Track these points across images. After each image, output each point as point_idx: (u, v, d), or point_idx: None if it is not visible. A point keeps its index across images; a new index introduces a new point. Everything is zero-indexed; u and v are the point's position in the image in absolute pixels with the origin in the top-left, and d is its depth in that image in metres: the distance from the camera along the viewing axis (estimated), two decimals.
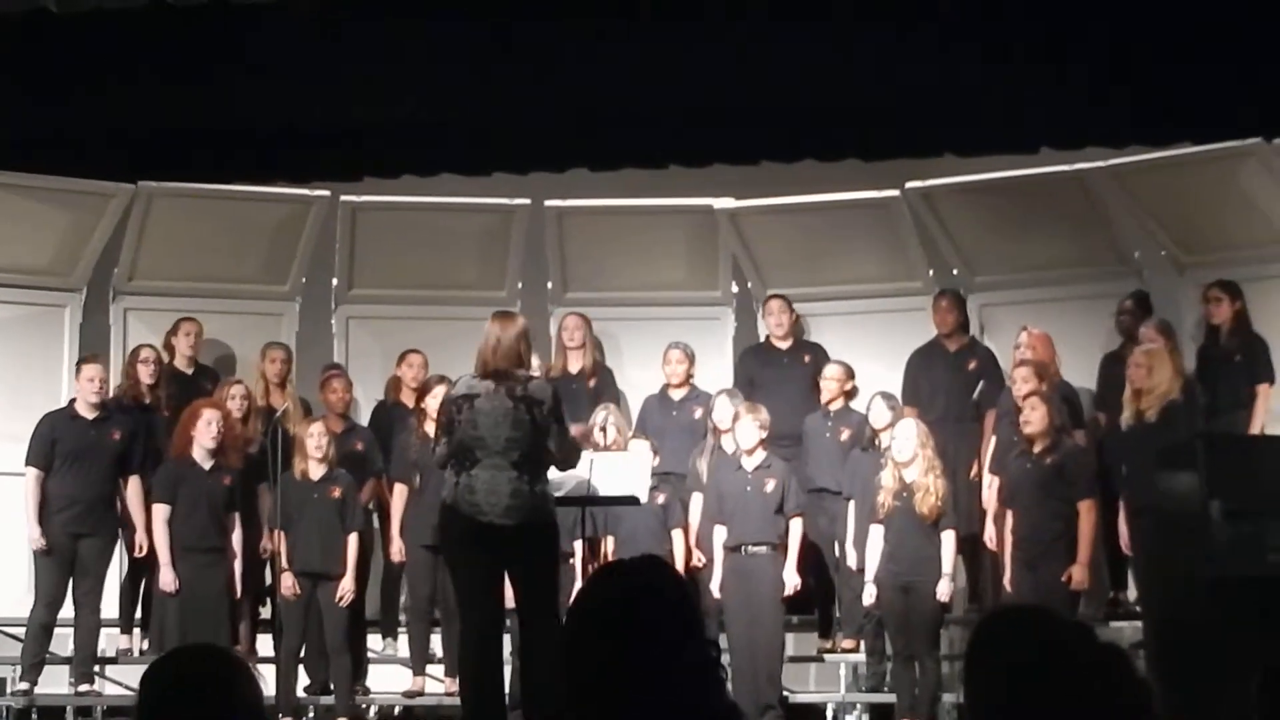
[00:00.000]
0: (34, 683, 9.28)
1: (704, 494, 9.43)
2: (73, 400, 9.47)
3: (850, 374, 9.89)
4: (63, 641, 9.49)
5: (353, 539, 9.32)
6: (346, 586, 9.22)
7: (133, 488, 9.42)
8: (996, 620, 2.53)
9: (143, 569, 9.67)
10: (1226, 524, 6.92)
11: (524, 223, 10.85)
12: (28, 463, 9.31)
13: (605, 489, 8.03)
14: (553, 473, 7.27)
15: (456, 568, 7.23)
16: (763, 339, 10.57)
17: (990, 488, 9.23)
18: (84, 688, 9.38)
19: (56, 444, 9.29)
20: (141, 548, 9.39)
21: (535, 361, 9.61)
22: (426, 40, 10.45)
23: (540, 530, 6.96)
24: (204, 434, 9.16)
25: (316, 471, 9.30)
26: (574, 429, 7.51)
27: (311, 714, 9.54)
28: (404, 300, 10.90)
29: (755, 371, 10.31)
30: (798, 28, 10.17)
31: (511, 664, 8.37)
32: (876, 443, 9.36)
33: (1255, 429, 8.97)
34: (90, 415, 9.35)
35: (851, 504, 9.38)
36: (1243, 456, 7.71)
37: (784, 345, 10.36)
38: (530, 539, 6.90)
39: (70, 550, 9.22)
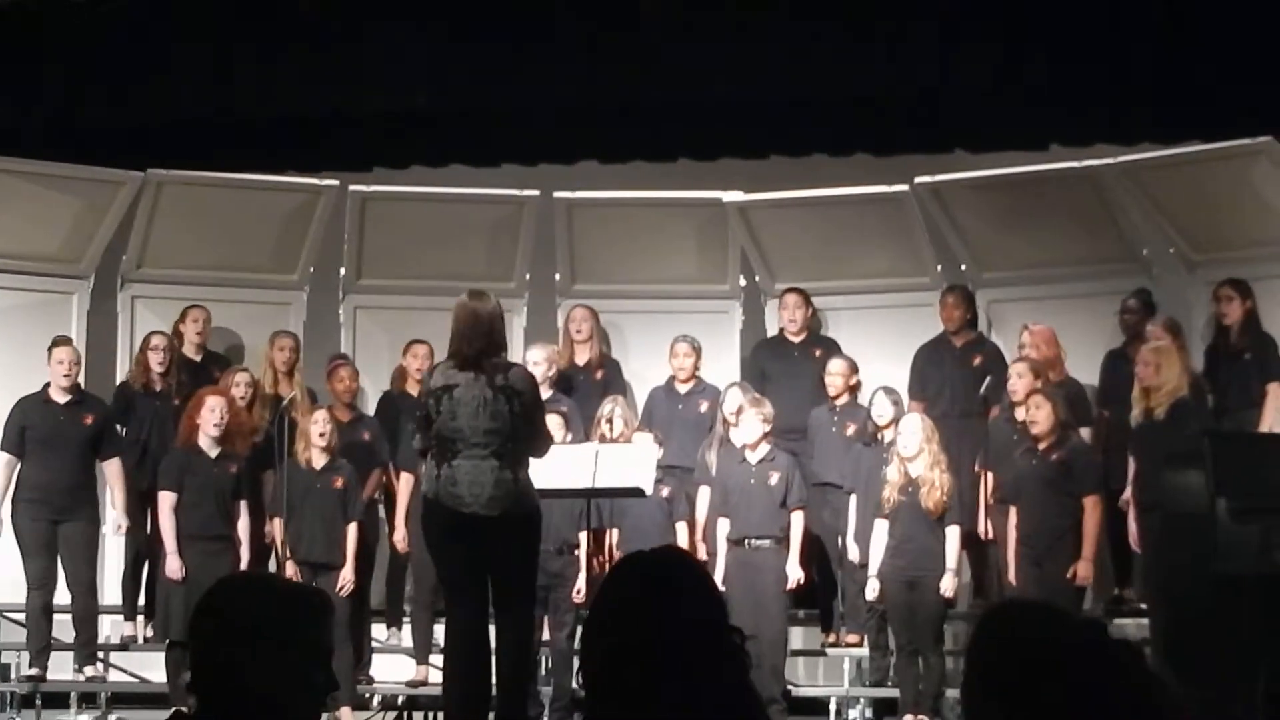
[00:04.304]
0: (44, 667, 9.27)
1: (711, 487, 9.41)
2: (46, 384, 9.39)
3: (854, 369, 9.87)
4: (66, 627, 9.48)
5: (352, 529, 9.31)
6: (346, 577, 9.22)
7: (112, 470, 9.38)
8: (1002, 613, 2.49)
9: (144, 556, 9.69)
10: (1233, 522, 6.91)
11: (533, 214, 10.83)
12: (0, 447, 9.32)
13: (610, 480, 8.01)
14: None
15: (440, 561, 7.12)
16: (775, 332, 10.55)
17: (984, 484, 9.26)
18: (89, 670, 9.38)
19: (27, 430, 9.26)
20: (120, 528, 9.38)
21: (544, 353, 9.67)
22: (436, 31, 10.46)
23: (522, 520, 6.83)
24: (208, 421, 9.13)
25: (319, 460, 9.29)
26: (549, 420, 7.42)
27: None
28: (412, 291, 10.86)
29: (766, 364, 10.30)
30: (808, 22, 10.17)
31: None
32: (879, 438, 9.35)
33: (1265, 428, 8.94)
34: (62, 399, 9.32)
35: (853, 498, 9.37)
36: (1250, 455, 7.71)
37: (796, 339, 10.34)
38: (512, 528, 6.79)
39: (50, 535, 9.18)
